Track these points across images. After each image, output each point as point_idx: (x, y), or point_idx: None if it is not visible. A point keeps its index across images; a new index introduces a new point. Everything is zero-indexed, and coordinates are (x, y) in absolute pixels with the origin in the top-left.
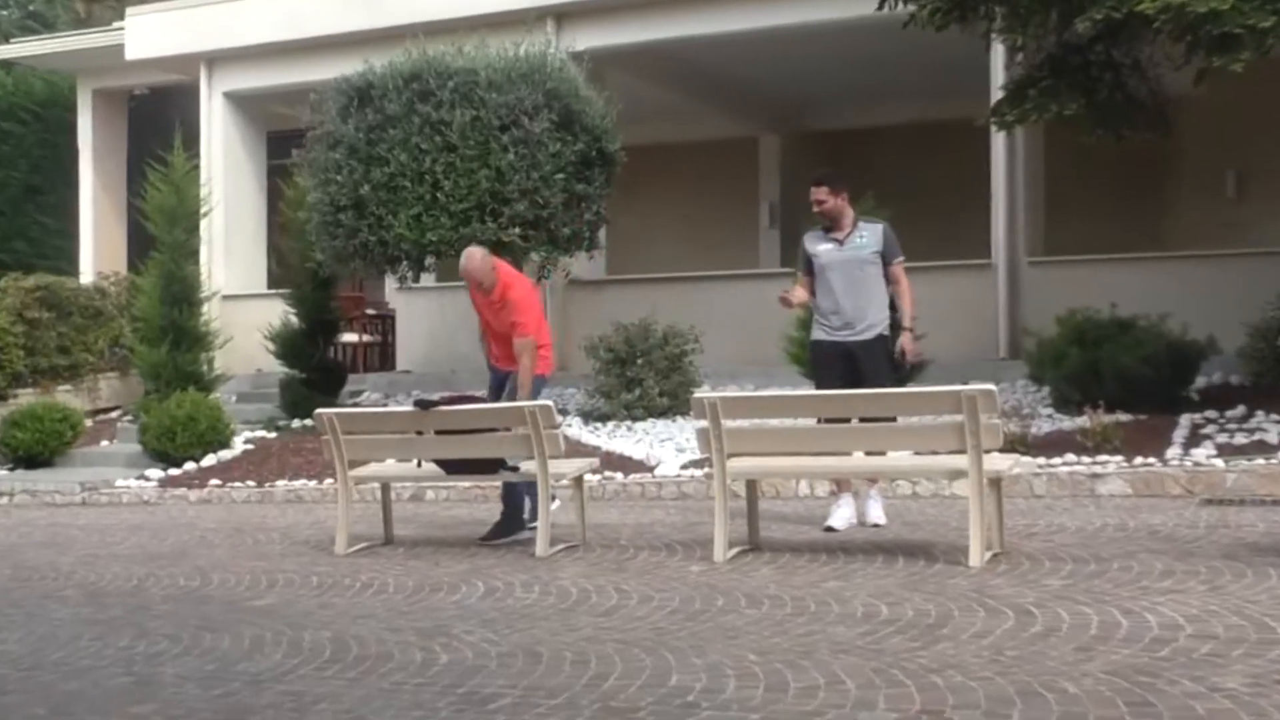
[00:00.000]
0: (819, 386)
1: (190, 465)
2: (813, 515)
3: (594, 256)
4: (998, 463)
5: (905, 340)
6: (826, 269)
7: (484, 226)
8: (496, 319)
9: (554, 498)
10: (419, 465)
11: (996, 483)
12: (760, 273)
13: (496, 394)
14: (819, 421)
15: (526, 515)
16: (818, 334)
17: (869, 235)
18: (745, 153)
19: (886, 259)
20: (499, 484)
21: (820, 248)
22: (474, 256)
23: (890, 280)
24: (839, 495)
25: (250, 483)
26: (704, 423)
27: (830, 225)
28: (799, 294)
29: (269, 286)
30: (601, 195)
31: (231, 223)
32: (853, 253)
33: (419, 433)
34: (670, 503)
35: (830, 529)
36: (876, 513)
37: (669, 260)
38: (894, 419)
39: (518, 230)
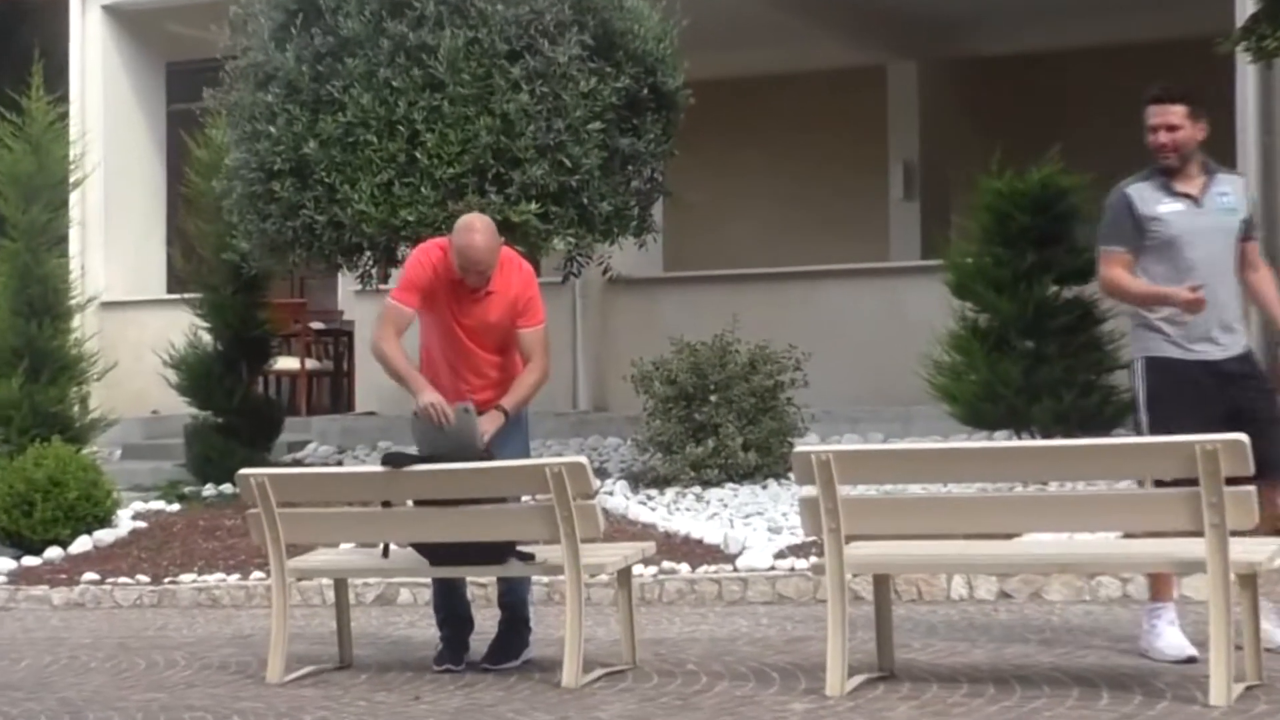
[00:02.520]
0: (1170, 429)
1: (54, 552)
2: (973, 625)
3: (646, 244)
4: (1252, 550)
5: None
6: (1180, 243)
7: (484, 200)
8: (484, 319)
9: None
10: (386, 553)
11: (1250, 580)
12: (891, 266)
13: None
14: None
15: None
16: (1164, 349)
17: (1234, 192)
18: (868, 90)
19: (1242, 232)
20: (505, 580)
21: (1164, 208)
22: (482, 230)
23: (1244, 264)
24: (1153, 606)
25: (142, 578)
26: (811, 489)
27: (1170, 171)
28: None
29: (170, 290)
30: (657, 154)
31: (116, 196)
32: (1220, 217)
33: (388, 503)
34: (760, 608)
35: (1192, 659)
36: None
37: (756, 249)
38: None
39: (534, 206)
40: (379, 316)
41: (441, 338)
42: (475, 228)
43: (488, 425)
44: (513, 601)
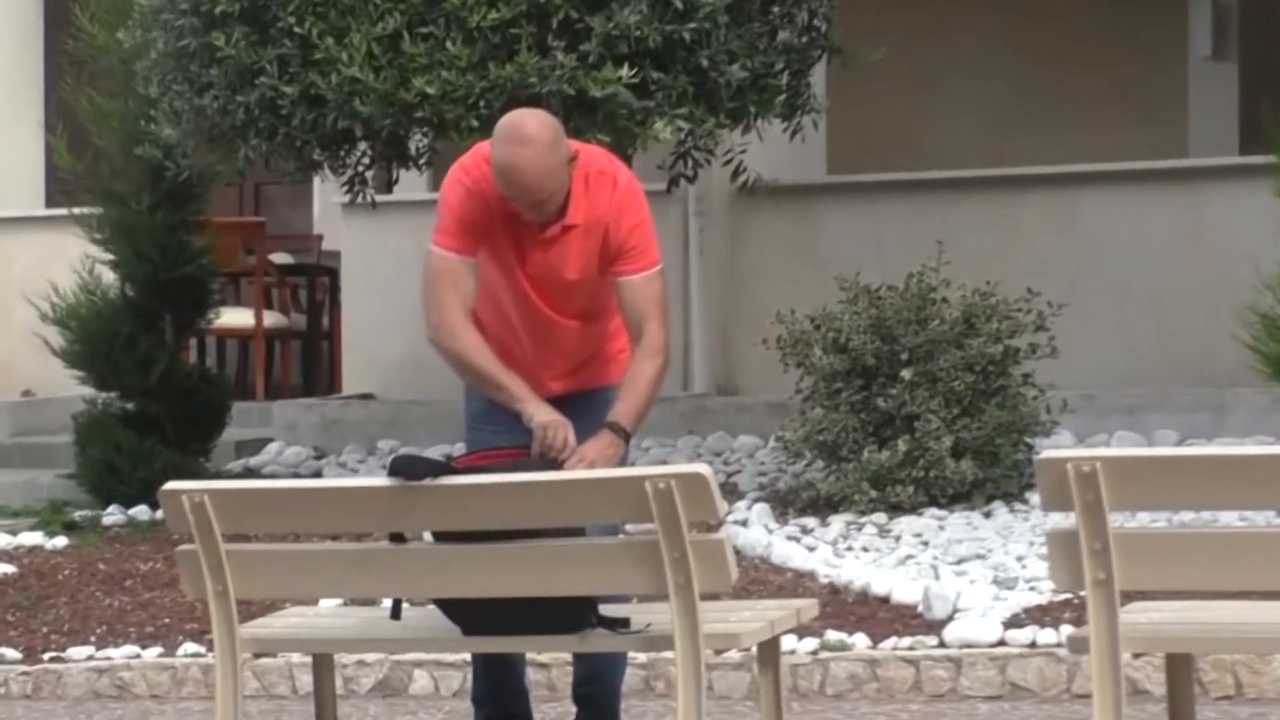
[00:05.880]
0: None
1: None
2: None
3: (801, 131)
4: None
5: None
6: None
7: (546, 62)
8: (558, 271)
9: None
10: (396, 614)
11: None
12: (1193, 165)
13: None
14: None
15: None
16: None
17: None
18: None
19: None
20: (583, 655)
21: None
22: (535, 138)
23: None
24: None
25: (10, 652)
26: (1065, 518)
27: None
28: None
29: (50, 202)
30: None
31: None
32: None
33: (398, 537)
34: (982, 704)
35: None
36: None
37: (974, 139)
38: None
39: (623, 73)
40: (425, 278)
41: (500, 298)
42: (524, 134)
43: (596, 456)
44: (594, 694)
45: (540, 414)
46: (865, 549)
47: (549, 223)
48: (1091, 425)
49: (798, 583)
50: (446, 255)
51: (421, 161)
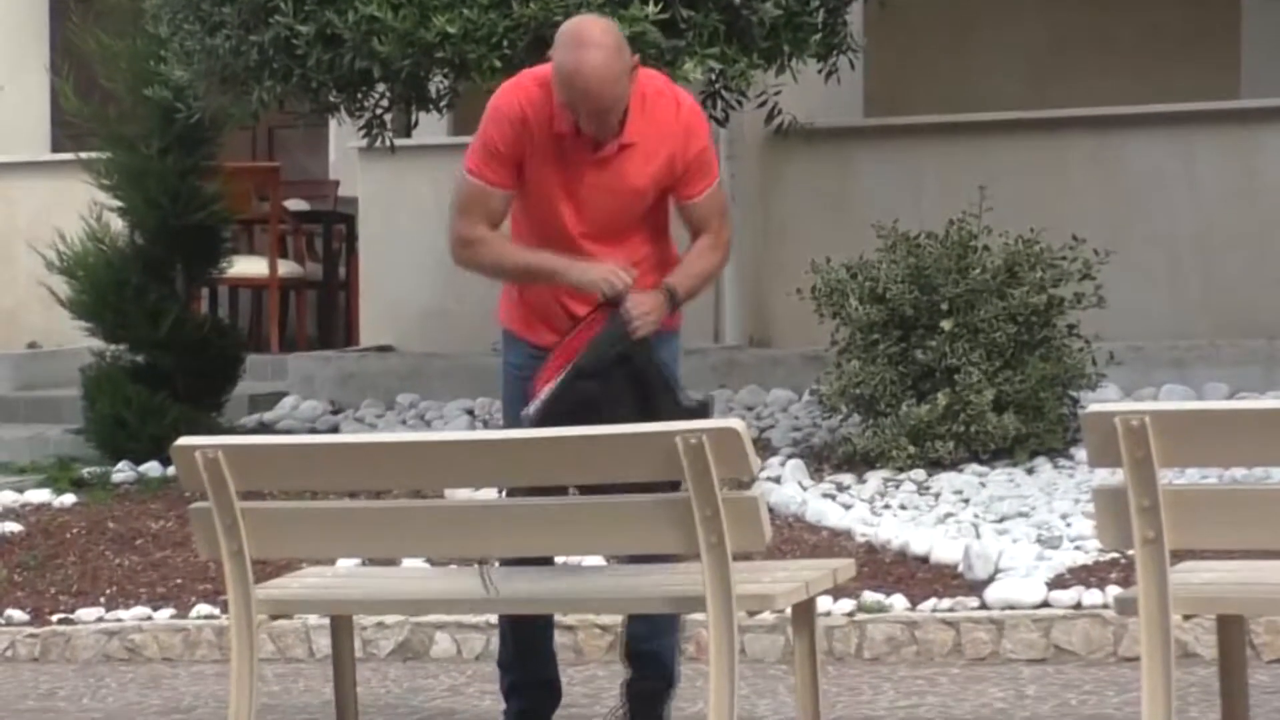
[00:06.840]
0: None
1: None
2: None
3: (837, 72)
4: None
5: None
6: None
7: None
8: (615, 193)
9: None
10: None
11: None
12: (1244, 107)
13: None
14: None
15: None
16: None
17: None
18: None
19: None
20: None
21: None
22: (601, 42)
23: None
24: None
25: (16, 614)
26: (1112, 474)
27: None
28: None
29: (56, 146)
30: None
31: None
32: None
33: (420, 493)
34: (1024, 668)
35: None
36: None
37: (1017, 81)
38: None
39: (650, 10)
40: (453, 203)
41: (538, 229)
42: (590, 38)
43: (652, 305)
44: (658, 650)
45: (589, 273)
46: (903, 507)
47: (605, 140)
48: (1138, 378)
49: (833, 542)
50: (473, 181)
51: (442, 104)
